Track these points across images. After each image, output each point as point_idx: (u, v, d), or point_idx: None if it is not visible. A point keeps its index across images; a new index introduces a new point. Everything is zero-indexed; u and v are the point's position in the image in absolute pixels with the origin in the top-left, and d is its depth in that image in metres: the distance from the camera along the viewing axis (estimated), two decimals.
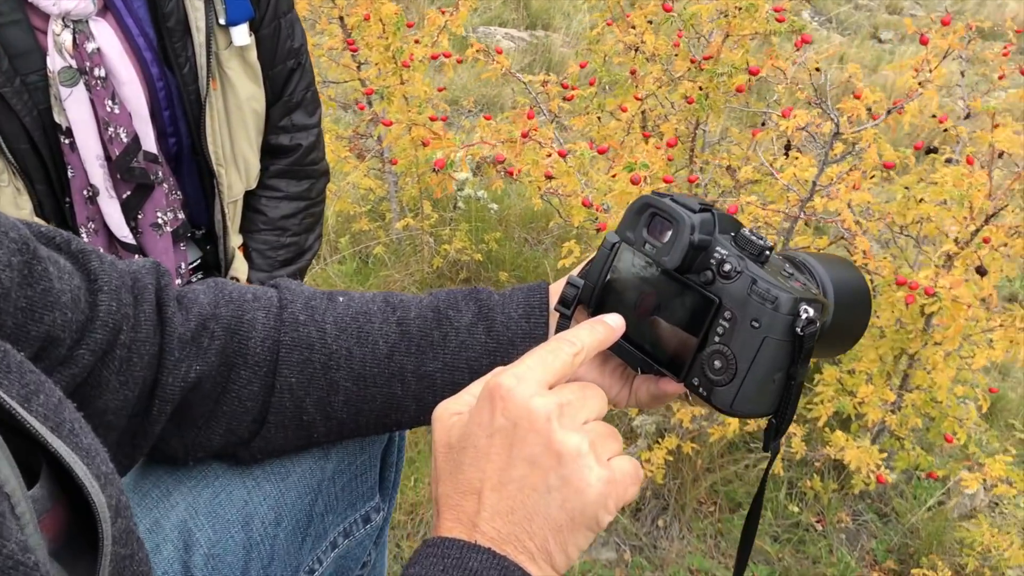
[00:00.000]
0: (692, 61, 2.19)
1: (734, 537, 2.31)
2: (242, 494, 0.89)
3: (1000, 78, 2.59)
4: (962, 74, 2.46)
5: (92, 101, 1.43)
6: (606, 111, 2.43)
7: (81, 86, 1.41)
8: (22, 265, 0.67)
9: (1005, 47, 2.58)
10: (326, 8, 2.96)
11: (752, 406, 0.75)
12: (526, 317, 0.86)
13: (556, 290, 0.87)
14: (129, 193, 1.54)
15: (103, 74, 1.42)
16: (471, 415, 0.65)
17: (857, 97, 1.92)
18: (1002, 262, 1.87)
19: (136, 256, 1.58)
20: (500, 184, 2.55)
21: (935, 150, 2.10)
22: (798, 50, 2.04)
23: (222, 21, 1.50)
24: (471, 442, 0.64)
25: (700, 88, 2.06)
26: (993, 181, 1.81)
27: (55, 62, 1.38)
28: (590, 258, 0.85)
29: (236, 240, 1.75)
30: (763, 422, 2.15)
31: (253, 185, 1.73)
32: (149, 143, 1.51)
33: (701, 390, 0.76)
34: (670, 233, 0.77)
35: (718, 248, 0.76)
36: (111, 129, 1.45)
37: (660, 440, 2.26)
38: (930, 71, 1.77)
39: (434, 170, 1.99)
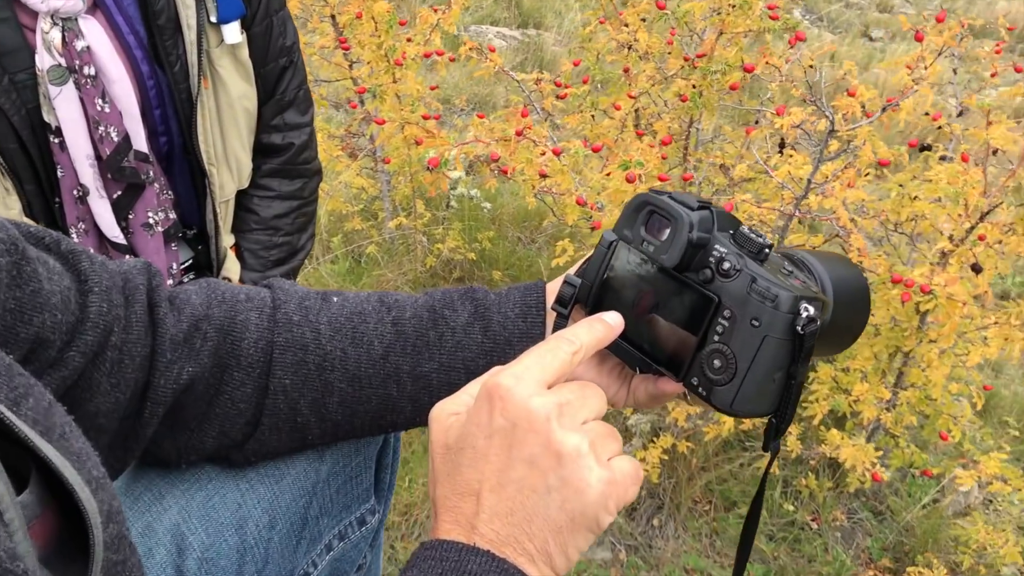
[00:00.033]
0: (686, 59, 2.19)
1: (729, 536, 2.31)
2: (236, 497, 0.87)
3: (992, 75, 2.60)
4: (955, 72, 2.46)
5: (82, 100, 1.42)
6: (599, 109, 2.42)
7: (70, 84, 1.39)
8: (11, 266, 0.66)
9: (997, 44, 2.58)
10: (317, 6, 2.95)
11: (752, 406, 0.74)
12: (523, 316, 0.85)
13: (553, 289, 0.86)
14: (120, 193, 1.52)
15: (93, 72, 1.40)
16: (469, 415, 0.64)
17: (851, 94, 1.92)
18: (996, 259, 1.86)
19: (127, 256, 1.56)
20: (494, 183, 2.54)
21: (929, 147, 2.10)
22: (792, 47, 2.03)
23: (213, 19, 1.49)
24: (469, 443, 0.63)
25: (694, 86, 2.05)
26: (987, 178, 1.80)
27: (44, 60, 1.37)
28: (587, 256, 0.84)
29: (228, 240, 1.74)
30: (759, 421, 2.15)
31: (245, 184, 1.71)
32: (140, 142, 1.49)
33: (700, 390, 0.75)
34: (668, 231, 0.76)
35: (717, 246, 0.75)
36: (101, 128, 1.44)
37: (655, 439, 2.25)
38: (925, 68, 1.76)
39: (428, 169, 1.98)
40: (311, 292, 0.88)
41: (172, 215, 1.61)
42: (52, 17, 1.36)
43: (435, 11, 2.74)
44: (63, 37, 1.37)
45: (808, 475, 2.38)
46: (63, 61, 1.38)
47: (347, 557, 0.99)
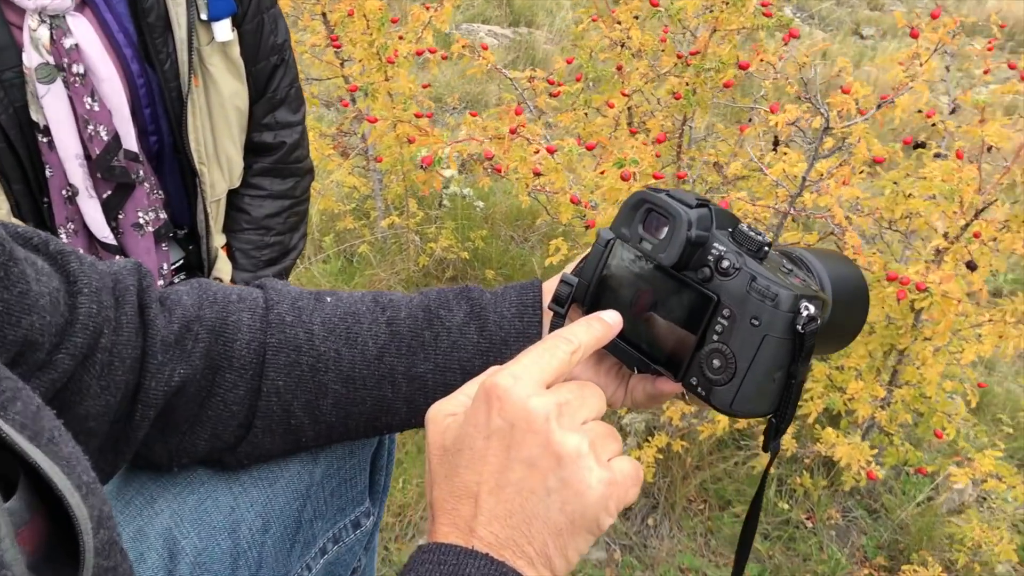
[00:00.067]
0: (679, 56, 2.18)
1: (724, 535, 2.30)
2: (228, 500, 0.86)
3: (985, 72, 2.59)
4: (947, 69, 2.46)
5: (71, 98, 1.40)
6: (592, 107, 2.42)
7: (59, 83, 1.38)
8: None
9: (990, 42, 2.58)
10: (308, 4, 2.93)
11: (752, 406, 0.73)
12: (519, 316, 0.84)
13: (549, 288, 0.85)
14: (109, 192, 1.51)
15: (82, 71, 1.39)
16: (466, 416, 0.63)
17: (845, 91, 1.91)
18: (990, 257, 1.86)
19: (117, 257, 1.55)
20: (487, 181, 2.53)
21: (923, 145, 2.10)
22: (786, 45, 2.03)
23: (204, 16, 1.48)
24: (467, 444, 0.62)
25: (687, 84, 2.04)
26: (982, 175, 1.80)
27: (31, 58, 1.36)
28: (584, 255, 0.83)
29: (219, 240, 1.72)
30: (754, 419, 2.14)
31: (236, 184, 1.70)
32: (130, 141, 1.48)
33: (700, 390, 0.74)
34: (666, 229, 0.76)
35: (716, 244, 0.74)
36: (90, 127, 1.42)
37: (650, 438, 2.24)
38: (920, 65, 1.76)
39: (422, 167, 1.97)
40: (304, 292, 0.86)
41: (163, 215, 1.59)
42: (40, 14, 1.34)
43: (427, 8, 2.73)
44: (51, 35, 1.35)
45: (803, 474, 2.38)
46: (51, 59, 1.36)
47: (341, 560, 0.98)
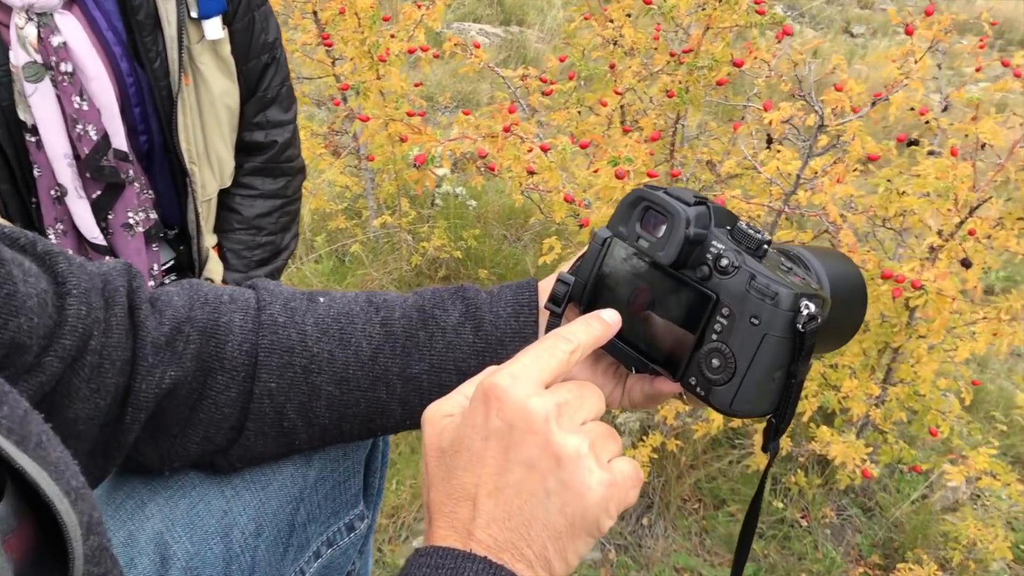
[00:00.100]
0: (671, 54, 2.17)
1: (719, 534, 2.30)
2: (221, 504, 0.85)
3: (977, 70, 2.60)
4: (939, 67, 2.46)
5: (59, 97, 1.39)
6: (585, 106, 2.41)
7: (47, 82, 1.36)
8: None
9: (981, 39, 2.58)
10: (299, 3, 2.92)
11: (751, 406, 0.72)
12: (515, 316, 0.83)
13: (545, 287, 0.84)
14: (99, 192, 1.49)
15: (70, 69, 1.37)
16: (464, 417, 0.62)
17: (839, 89, 1.91)
18: (985, 254, 1.86)
19: (107, 258, 1.53)
20: (480, 180, 2.51)
21: (916, 142, 2.10)
22: (779, 42, 2.02)
23: (194, 14, 1.47)
24: (465, 445, 0.61)
25: (680, 82, 2.04)
26: (975, 173, 1.80)
27: (19, 57, 1.34)
28: (580, 254, 0.82)
29: (210, 240, 1.71)
30: (750, 419, 2.14)
31: (227, 183, 1.69)
32: (119, 141, 1.46)
33: (699, 390, 0.73)
34: (664, 227, 0.75)
35: (714, 242, 0.73)
36: (79, 126, 1.41)
37: (644, 438, 2.24)
38: (915, 62, 1.75)
39: (415, 166, 1.96)
40: (297, 292, 0.85)
41: (153, 215, 1.58)
42: (27, 12, 1.33)
43: (419, 7, 2.71)
44: (38, 33, 1.34)
45: (797, 472, 2.37)
46: (39, 58, 1.35)
47: (336, 564, 0.97)
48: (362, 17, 2.57)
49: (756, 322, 0.70)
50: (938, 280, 1.72)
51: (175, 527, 0.83)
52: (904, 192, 1.86)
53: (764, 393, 0.72)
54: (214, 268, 1.72)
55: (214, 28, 1.50)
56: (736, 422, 2.36)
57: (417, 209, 3.41)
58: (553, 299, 0.80)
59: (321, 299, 0.84)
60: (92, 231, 1.50)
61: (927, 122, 2.07)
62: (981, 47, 2.57)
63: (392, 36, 2.73)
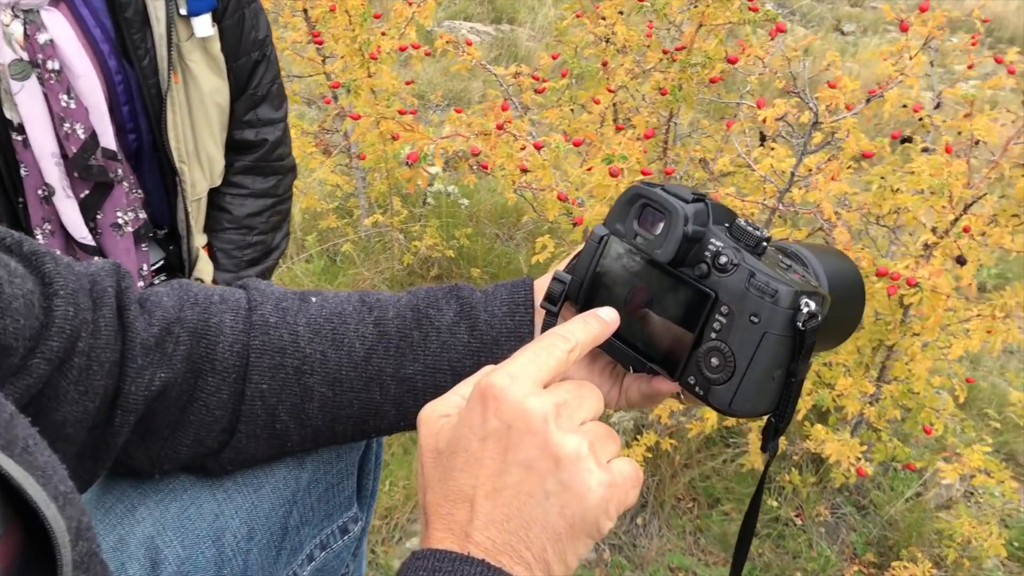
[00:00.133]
0: (664, 52, 2.16)
1: (713, 533, 2.29)
2: (212, 507, 0.84)
3: (969, 67, 2.60)
4: (932, 64, 2.46)
5: (46, 95, 1.37)
6: (578, 104, 2.40)
7: (33, 80, 1.35)
8: None
9: (973, 37, 2.58)
10: (289, 0, 2.90)
11: (751, 405, 0.71)
12: (511, 315, 0.82)
13: (541, 286, 0.83)
14: (87, 192, 1.47)
15: (57, 67, 1.36)
16: (461, 417, 0.61)
17: (832, 86, 1.90)
18: (979, 251, 1.86)
19: (95, 258, 1.51)
20: (473, 178, 2.50)
21: (909, 139, 2.09)
22: (772, 39, 2.01)
23: (183, 11, 1.45)
24: (462, 446, 0.60)
25: (673, 80, 2.03)
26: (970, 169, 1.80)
27: (4, 54, 1.32)
28: (576, 252, 0.81)
29: (200, 240, 1.70)
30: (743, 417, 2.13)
31: (217, 182, 1.67)
32: (108, 139, 1.45)
33: (697, 389, 0.72)
34: (662, 225, 0.74)
35: (713, 240, 0.72)
36: (67, 125, 1.39)
37: (639, 437, 2.23)
38: (910, 58, 1.75)
39: (407, 164, 1.94)
40: (288, 292, 0.84)
41: (142, 215, 1.56)
42: (12, 9, 1.31)
43: (409, 4, 2.70)
44: (25, 30, 1.32)
45: (792, 471, 2.37)
46: (25, 55, 1.33)
47: (329, 567, 0.96)
48: (353, 15, 2.56)
49: (756, 320, 0.69)
50: (933, 277, 1.72)
51: (166, 531, 0.82)
52: (898, 189, 1.85)
53: (764, 392, 0.71)
54: (204, 268, 1.70)
55: (203, 25, 1.49)
56: (730, 421, 2.35)
57: (409, 208, 3.40)
58: (549, 298, 0.79)
59: (313, 299, 0.83)
60: (80, 231, 1.49)
61: (920, 119, 2.07)
62: (973, 44, 2.57)
63: (383, 34, 2.71)
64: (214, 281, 1.71)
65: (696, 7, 2.04)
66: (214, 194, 1.69)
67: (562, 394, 0.61)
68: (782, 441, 2.20)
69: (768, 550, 2.25)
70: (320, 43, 2.86)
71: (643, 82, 2.29)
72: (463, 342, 0.81)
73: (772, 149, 1.91)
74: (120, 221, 1.52)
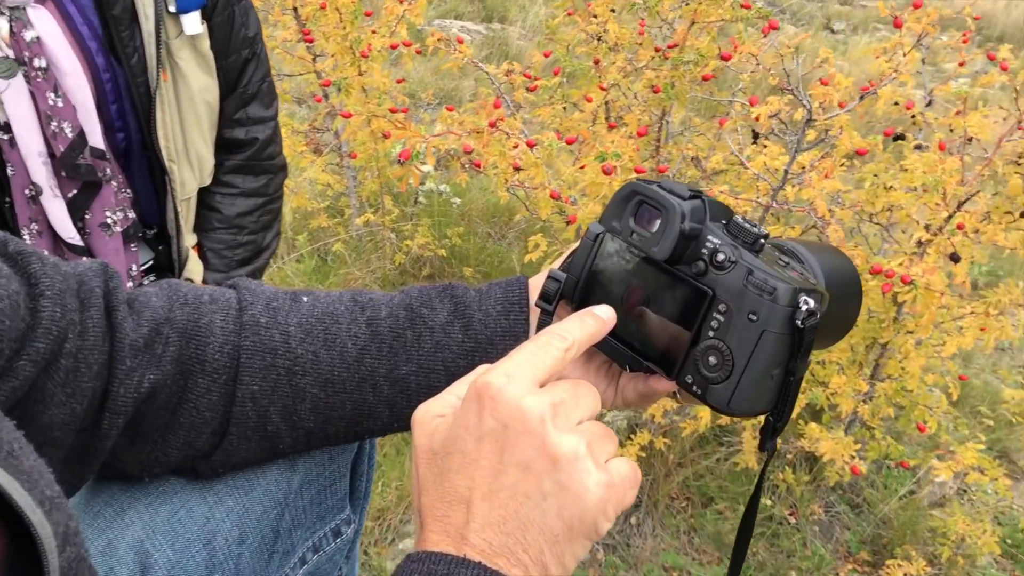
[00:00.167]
0: (656, 50, 2.16)
1: (707, 532, 2.28)
2: (203, 510, 0.82)
3: (961, 65, 2.60)
4: (923, 61, 2.46)
5: (32, 94, 1.35)
6: (570, 102, 2.39)
7: (20, 78, 1.33)
8: None
9: (964, 34, 2.58)
10: None
11: (750, 404, 0.70)
12: (505, 314, 0.81)
13: (536, 285, 0.82)
14: (75, 192, 1.46)
15: (44, 65, 1.34)
16: (456, 417, 0.60)
17: (824, 83, 1.90)
18: (972, 248, 1.86)
19: (83, 258, 1.50)
20: (464, 177, 2.49)
21: (902, 137, 2.09)
22: (765, 36, 2.01)
23: (172, 9, 1.44)
24: (457, 447, 0.59)
25: (665, 77, 2.02)
26: (963, 167, 1.79)
27: None
28: (571, 250, 0.80)
29: (190, 239, 1.68)
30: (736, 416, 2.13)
31: (207, 181, 1.66)
32: (96, 138, 1.43)
33: (695, 388, 0.71)
34: (659, 222, 0.73)
35: (710, 237, 0.71)
36: (54, 123, 1.37)
37: (632, 436, 2.22)
38: (904, 54, 1.74)
39: (399, 162, 1.93)
40: (279, 292, 0.83)
41: (131, 214, 1.55)
42: None
43: (400, 2, 2.69)
44: (11, 27, 1.30)
45: (785, 469, 2.37)
46: (11, 53, 1.31)
47: (322, 570, 0.94)
48: (343, 12, 2.55)
49: (754, 318, 0.68)
50: (926, 275, 1.71)
51: (156, 535, 0.81)
52: (891, 187, 1.85)
53: (762, 391, 0.70)
54: (194, 268, 1.69)
55: (193, 23, 1.47)
56: (723, 419, 2.35)
57: (400, 207, 3.39)
58: (544, 296, 0.78)
59: (304, 298, 0.82)
60: (68, 231, 1.47)
61: (913, 117, 2.06)
62: (964, 42, 2.57)
63: (374, 32, 2.70)
64: (204, 281, 1.69)
65: (688, 5, 2.03)
66: (204, 193, 1.68)
67: (559, 393, 0.60)
68: (777, 440, 2.20)
69: (762, 549, 2.25)
70: (310, 41, 2.85)
71: (635, 80, 2.28)
72: (457, 342, 0.80)
73: (765, 147, 1.91)
74: (109, 221, 1.50)
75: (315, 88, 3.13)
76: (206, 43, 1.52)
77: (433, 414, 0.62)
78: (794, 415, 2.11)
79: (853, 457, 2.02)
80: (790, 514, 2.36)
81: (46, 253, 0.73)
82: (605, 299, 0.75)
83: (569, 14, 2.51)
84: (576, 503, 0.57)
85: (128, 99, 1.46)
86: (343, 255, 3.26)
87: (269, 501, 0.86)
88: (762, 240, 0.71)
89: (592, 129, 2.19)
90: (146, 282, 1.63)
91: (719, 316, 0.70)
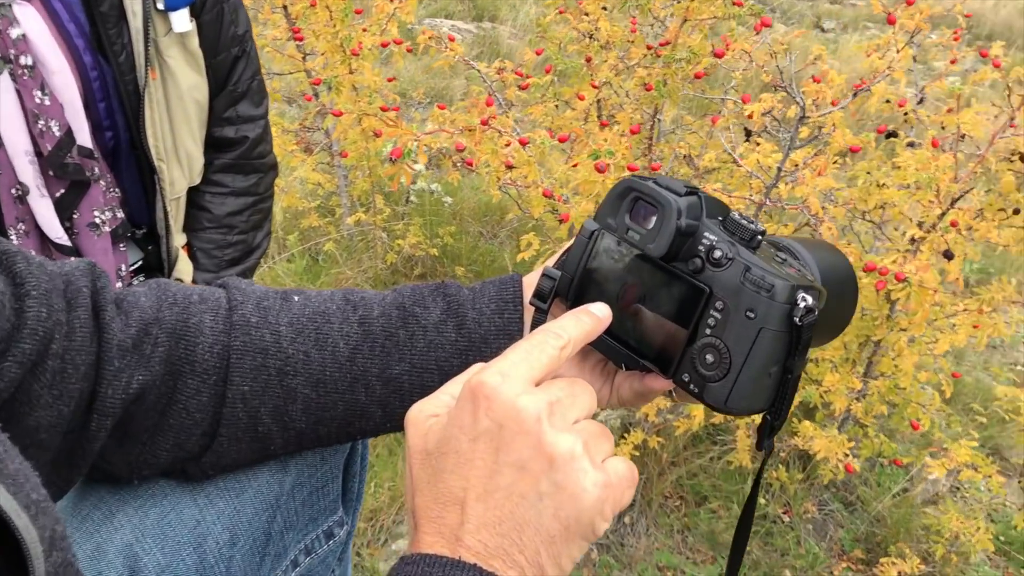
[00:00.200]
0: (648, 47, 2.15)
1: (701, 531, 2.28)
2: (193, 513, 0.81)
3: (952, 62, 2.60)
4: (915, 59, 2.46)
5: (18, 92, 1.33)
6: (562, 100, 2.38)
7: (6, 76, 1.31)
8: None
9: (955, 31, 2.58)
10: None
11: (747, 402, 0.70)
12: (499, 312, 0.80)
13: (529, 283, 0.81)
14: (63, 191, 1.44)
15: (30, 62, 1.32)
16: (451, 417, 0.59)
17: (816, 81, 1.89)
18: (965, 245, 1.85)
19: (71, 258, 1.48)
20: (456, 176, 2.48)
21: (895, 134, 2.09)
22: (758, 33, 2.00)
23: (160, 6, 1.42)
24: (452, 447, 0.58)
25: (657, 75, 2.02)
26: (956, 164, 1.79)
27: None
28: (566, 247, 0.79)
29: (180, 239, 1.66)
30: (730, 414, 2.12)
31: (197, 181, 1.64)
32: (84, 137, 1.41)
33: (692, 386, 0.70)
34: (655, 218, 0.72)
35: (707, 234, 0.70)
36: (41, 122, 1.36)
37: (626, 435, 2.21)
38: (897, 51, 1.74)
39: (390, 160, 1.92)
40: (270, 292, 0.82)
41: (120, 214, 1.53)
42: None
43: (391, 0, 2.67)
44: None
45: (779, 468, 2.36)
46: None
47: (314, 572, 0.93)
48: (334, 10, 2.53)
49: (752, 315, 0.67)
50: (920, 272, 1.71)
51: (145, 538, 0.79)
52: (884, 184, 1.85)
53: (760, 389, 0.69)
54: (184, 268, 1.67)
55: (181, 20, 1.46)
56: (717, 418, 2.34)
57: (392, 206, 3.37)
58: (538, 295, 0.77)
59: (295, 298, 0.81)
60: (56, 231, 1.45)
61: (905, 114, 2.06)
62: (955, 39, 2.57)
63: (364, 30, 2.69)
64: (194, 281, 1.68)
65: (680, 2, 2.02)
66: (193, 193, 1.66)
67: (555, 392, 0.59)
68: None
69: (756, 548, 2.24)
70: (300, 39, 2.83)
71: (627, 78, 2.27)
72: (450, 340, 0.79)
73: (758, 144, 1.90)
74: (97, 221, 1.49)
75: (305, 87, 3.11)
76: (195, 41, 1.51)
77: (427, 414, 0.61)
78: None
79: (847, 455, 2.02)
80: (784, 512, 2.36)
81: (32, 253, 0.72)
82: (600, 297, 0.74)
83: (561, 12, 2.50)
84: (573, 503, 0.56)
85: (116, 97, 1.45)
86: (334, 255, 3.25)
87: (260, 503, 0.85)
88: (759, 237, 0.70)
89: (584, 127, 2.18)
90: (135, 282, 1.62)
91: (716, 313, 0.69)
